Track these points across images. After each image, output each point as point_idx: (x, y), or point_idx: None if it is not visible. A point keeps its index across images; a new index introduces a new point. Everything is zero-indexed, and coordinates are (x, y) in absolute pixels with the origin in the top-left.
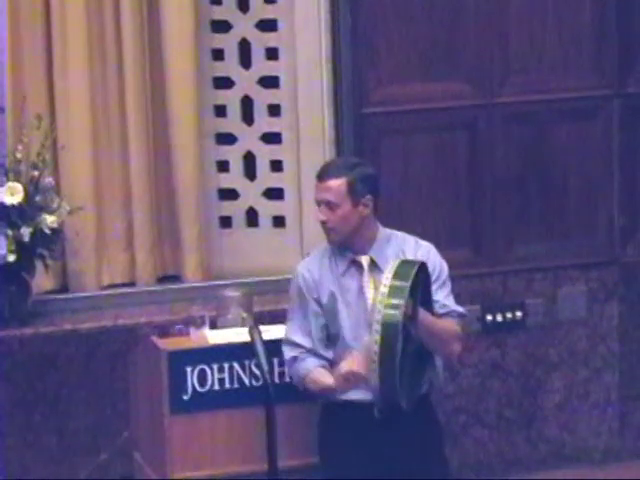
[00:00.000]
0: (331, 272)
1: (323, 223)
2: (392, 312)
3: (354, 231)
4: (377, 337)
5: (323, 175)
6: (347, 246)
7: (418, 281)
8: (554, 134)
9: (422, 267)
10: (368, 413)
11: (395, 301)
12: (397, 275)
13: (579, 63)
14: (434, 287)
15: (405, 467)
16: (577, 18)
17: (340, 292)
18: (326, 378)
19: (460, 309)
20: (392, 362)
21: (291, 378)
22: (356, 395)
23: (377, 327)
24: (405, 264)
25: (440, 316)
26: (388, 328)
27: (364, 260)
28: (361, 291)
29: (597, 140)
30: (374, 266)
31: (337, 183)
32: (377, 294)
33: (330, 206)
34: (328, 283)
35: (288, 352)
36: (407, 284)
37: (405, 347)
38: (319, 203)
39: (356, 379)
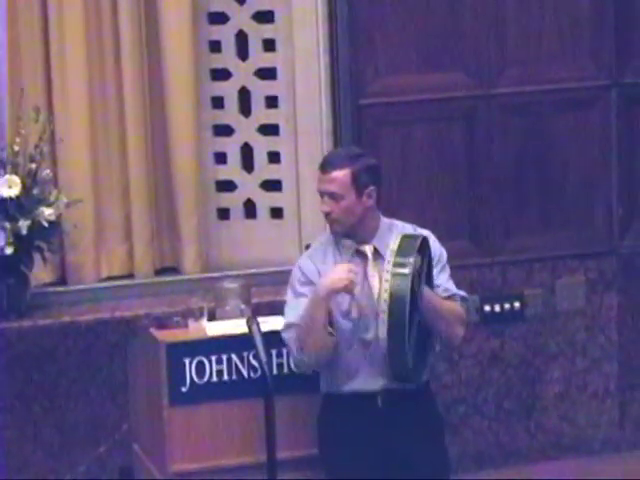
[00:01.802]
0: (335, 262)
1: (327, 214)
2: (399, 282)
3: (358, 222)
4: (385, 307)
5: (326, 166)
6: (350, 236)
7: (422, 257)
8: (552, 124)
9: (424, 242)
10: (371, 403)
11: (401, 271)
12: (401, 247)
13: (577, 53)
14: (435, 272)
15: (406, 457)
16: (574, 8)
17: None
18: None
19: (462, 293)
20: (401, 330)
21: (291, 357)
22: (359, 385)
23: (385, 296)
24: (408, 238)
25: (443, 299)
26: (396, 297)
27: (368, 249)
28: (365, 280)
29: (595, 130)
30: (377, 255)
31: (341, 174)
32: (383, 272)
33: (334, 197)
34: None
35: (287, 334)
36: (412, 255)
37: (411, 317)
38: (322, 194)
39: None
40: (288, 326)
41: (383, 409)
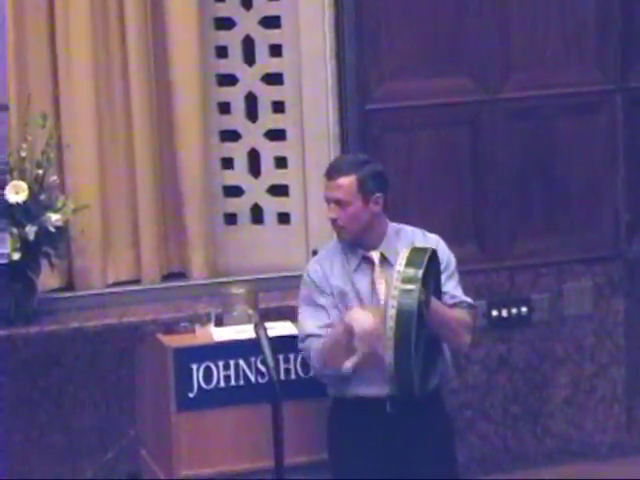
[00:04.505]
0: (343, 269)
1: (333, 221)
2: (406, 299)
3: (365, 228)
4: (392, 324)
5: (332, 173)
6: (358, 243)
7: (430, 268)
8: (557, 129)
9: (433, 255)
10: (380, 409)
11: (409, 287)
12: (410, 262)
13: (581, 58)
14: (443, 278)
15: (414, 462)
16: (579, 13)
17: (352, 288)
18: (337, 329)
19: (469, 300)
20: (407, 348)
21: (309, 367)
22: (368, 391)
23: (392, 313)
24: (417, 251)
25: (450, 307)
26: (403, 315)
27: (375, 255)
28: (373, 286)
29: (600, 135)
30: (385, 261)
31: (347, 181)
32: (391, 283)
33: (340, 204)
34: (340, 279)
35: (306, 344)
36: (420, 270)
37: (418, 333)
38: (329, 201)
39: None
40: (308, 336)
41: (391, 414)
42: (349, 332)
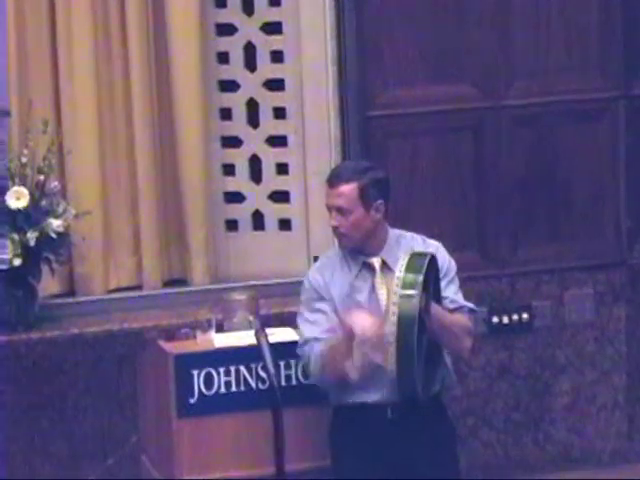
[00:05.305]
0: (343, 275)
1: (335, 228)
2: (407, 304)
3: (366, 236)
4: (393, 329)
5: (334, 180)
6: (359, 249)
7: (429, 273)
8: (560, 136)
9: (432, 259)
10: (381, 415)
11: (409, 292)
12: (409, 268)
13: (585, 65)
14: (443, 283)
15: (416, 468)
16: (582, 20)
17: (353, 294)
18: (337, 334)
19: (470, 305)
20: (410, 353)
21: (309, 372)
22: (368, 397)
23: (393, 319)
24: (416, 257)
25: (451, 312)
26: (404, 320)
27: (376, 262)
28: (373, 293)
29: (603, 142)
30: (386, 267)
31: (349, 188)
32: (391, 290)
33: (342, 212)
34: (340, 286)
35: (306, 349)
36: (420, 276)
37: (419, 339)
38: (330, 209)
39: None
40: (307, 341)
41: (393, 420)
42: (349, 335)
